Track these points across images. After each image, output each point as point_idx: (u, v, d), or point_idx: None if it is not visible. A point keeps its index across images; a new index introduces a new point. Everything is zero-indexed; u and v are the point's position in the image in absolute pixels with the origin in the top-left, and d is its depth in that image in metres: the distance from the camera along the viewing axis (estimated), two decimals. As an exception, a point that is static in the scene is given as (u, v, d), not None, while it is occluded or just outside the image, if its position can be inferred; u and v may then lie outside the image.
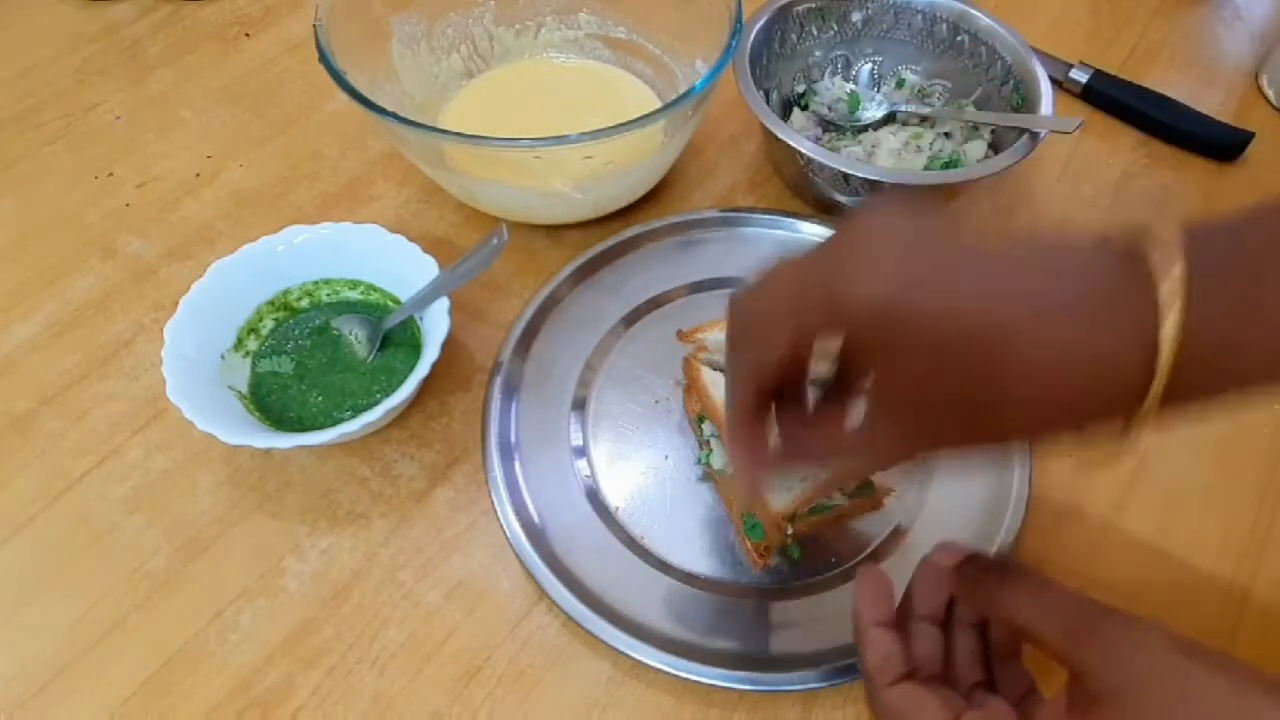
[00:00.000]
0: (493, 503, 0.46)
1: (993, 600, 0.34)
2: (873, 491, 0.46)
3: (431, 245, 0.51)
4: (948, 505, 0.47)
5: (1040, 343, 0.27)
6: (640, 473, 0.49)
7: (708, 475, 0.48)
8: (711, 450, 0.47)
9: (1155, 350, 0.27)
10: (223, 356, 0.49)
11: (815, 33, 0.64)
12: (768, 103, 0.60)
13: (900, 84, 0.65)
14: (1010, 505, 0.46)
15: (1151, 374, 0.27)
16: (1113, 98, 0.67)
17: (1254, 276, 0.27)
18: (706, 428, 0.48)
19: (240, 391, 0.49)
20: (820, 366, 0.33)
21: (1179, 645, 0.30)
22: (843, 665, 0.41)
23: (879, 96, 0.64)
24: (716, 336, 0.49)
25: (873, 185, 0.54)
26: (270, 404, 0.49)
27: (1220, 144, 0.65)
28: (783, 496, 0.43)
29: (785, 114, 0.64)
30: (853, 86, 0.65)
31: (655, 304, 0.55)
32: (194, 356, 0.47)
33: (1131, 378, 0.27)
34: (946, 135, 0.61)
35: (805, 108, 0.64)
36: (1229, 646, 0.42)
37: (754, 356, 0.32)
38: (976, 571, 0.36)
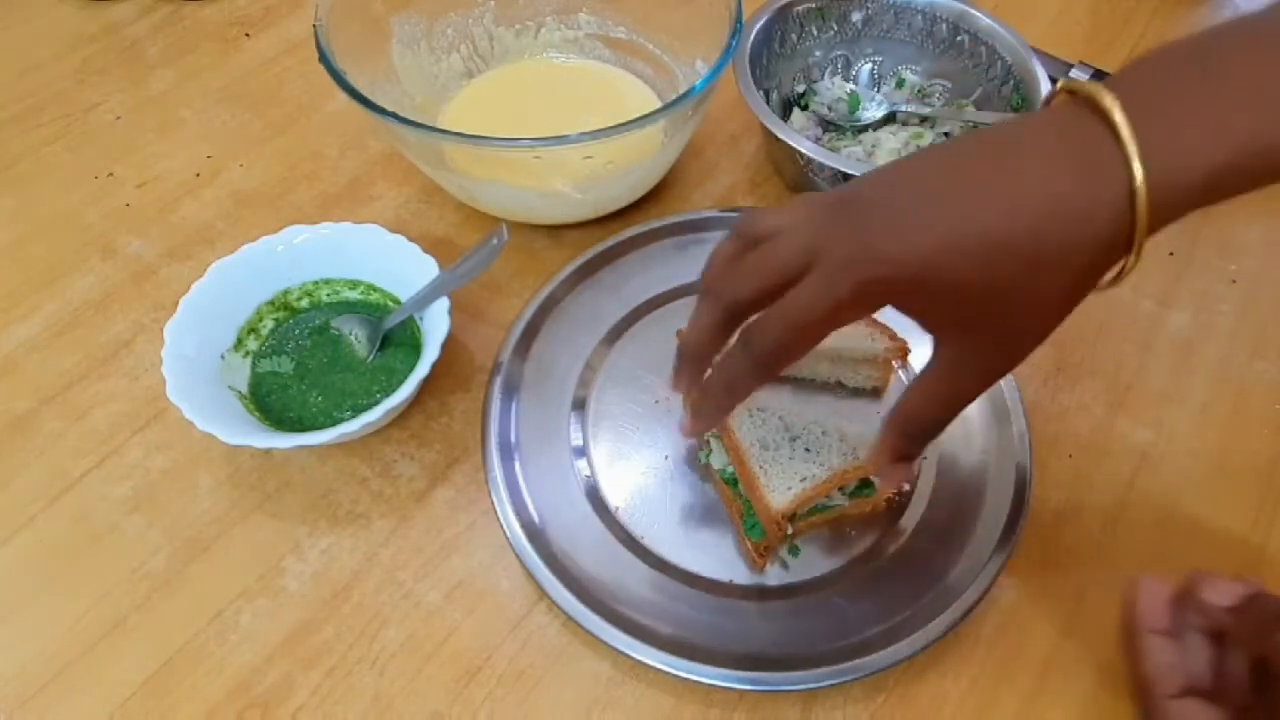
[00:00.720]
0: (493, 503, 0.46)
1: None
2: (873, 491, 0.46)
3: (431, 245, 0.51)
4: (948, 505, 0.47)
5: (1044, 236, 0.29)
6: (640, 473, 0.49)
7: (707, 475, 0.48)
8: (711, 450, 0.47)
9: (1130, 174, 0.29)
10: (223, 356, 0.49)
11: (815, 33, 0.64)
12: (768, 103, 0.60)
13: (900, 84, 0.65)
14: (1010, 505, 0.46)
15: (1133, 191, 0.29)
16: (1113, 98, 0.67)
17: (1190, 77, 0.30)
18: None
19: (240, 391, 0.49)
20: None
21: None
22: (843, 665, 0.41)
23: (879, 96, 0.64)
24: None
25: (873, 185, 0.54)
26: (270, 404, 0.49)
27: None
28: (782, 495, 0.43)
29: (785, 114, 0.64)
30: (853, 86, 0.65)
31: (655, 304, 0.55)
32: (194, 356, 0.47)
33: (1123, 213, 0.29)
34: (946, 135, 0.61)
35: (805, 108, 0.64)
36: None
37: (741, 284, 0.33)
38: (1265, 617, 0.35)
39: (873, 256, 0.30)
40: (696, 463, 0.49)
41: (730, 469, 0.46)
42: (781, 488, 0.43)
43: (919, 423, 0.35)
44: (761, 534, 0.44)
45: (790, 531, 0.45)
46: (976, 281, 0.30)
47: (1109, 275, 0.31)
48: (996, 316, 0.31)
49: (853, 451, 0.45)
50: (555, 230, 0.59)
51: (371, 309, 0.53)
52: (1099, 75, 0.68)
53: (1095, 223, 0.29)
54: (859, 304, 0.31)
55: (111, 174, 0.62)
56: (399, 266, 0.51)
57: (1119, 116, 0.29)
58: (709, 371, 0.35)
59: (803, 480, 0.43)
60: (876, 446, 0.37)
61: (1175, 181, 0.29)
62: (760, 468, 0.44)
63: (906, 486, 0.48)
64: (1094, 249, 0.30)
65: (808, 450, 0.45)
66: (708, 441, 0.48)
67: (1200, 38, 0.31)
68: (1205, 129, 0.29)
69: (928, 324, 0.32)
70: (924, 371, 0.34)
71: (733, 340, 0.34)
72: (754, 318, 0.33)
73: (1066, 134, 0.30)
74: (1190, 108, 0.29)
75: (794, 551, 0.46)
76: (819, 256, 0.31)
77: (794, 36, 0.63)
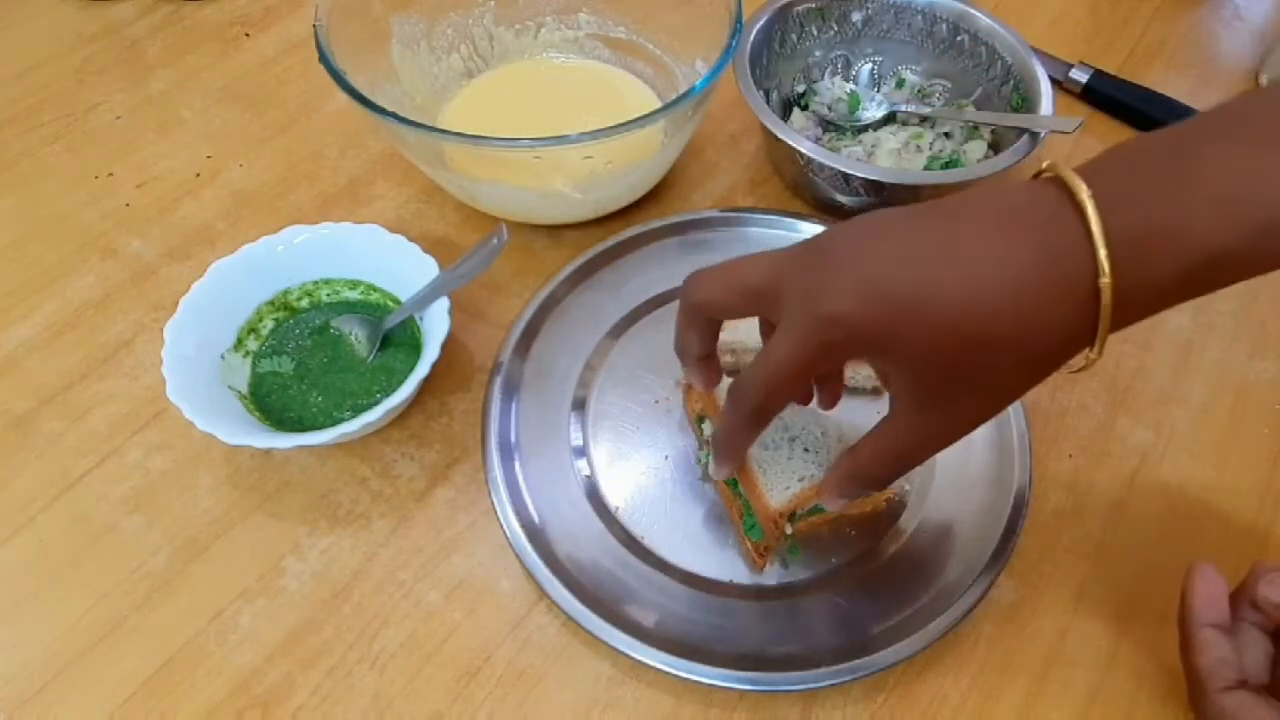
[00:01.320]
0: (493, 503, 0.46)
1: None
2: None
3: (431, 245, 0.51)
4: (948, 505, 0.47)
5: (1002, 319, 0.29)
6: (640, 473, 0.49)
7: (707, 475, 0.48)
8: (711, 450, 0.47)
9: (1095, 263, 0.28)
10: (223, 356, 0.49)
11: (815, 33, 0.64)
12: (768, 103, 0.60)
13: (900, 84, 0.65)
14: (1010, 505, 0.46)
15: (1097, 286, 0.29)
16: (1113, 97, 0.67)
17: (1163, 173, 0.29)
18: (706, 427, 0.48)
19: (240, 391, 0.49)
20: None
21: None
22: (843, 665, 0.41)
23: (879, 96, 0.64)
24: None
25: (873, 185, 0.54)
26: (270, 404, 0.49)
27: (1220, 144, 0.64)
28: (780, 495, 0.43)
29: (785, 114, 0.64)
30: (853, 86, 0.65)
31: (655, 304, 0.55)
32: (194, 356, 0.47)
33: (1087, 308, 0.29)
34: (946, 135, 0.61)
35: (805, 108, 0.64)
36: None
37: (710, 288, 0.35)
38: None
39: (834, 318, 0.30)
40: (696, 463, 0.49)
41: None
42: (780, 488, 0.43)
43: (866, 475, 0.36)
44: (761, 534, 0.44)
45: (789, 531, 0.45)
46: (932, 353, 0.30)
47: (1075, 363, 0.31)
48: (950, 388, 0.31)
49: None
50: (555, 230, 0.59)
51: (371, 309, 0.53)
52: (1099, 75, 0.68)
53: (1056, 313, 0.29)
54: (827, 359, 0.32)
55: (111, 174, 0.62)
56: (399, 266, 0.51)
57: (1090, 211, 0.28)
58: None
59: (801, 480, 0.43)
60: (825, 477, 0.39)
61: (1142, 283, 0.29)
62: (759, 467, 0.44)
63: (907, 486, 0.48)
64: (1053, 339, 0.30)
65: (806, 450, 0.45)
66: (708, 441, 0.48)
67: (1179, 131, 0.31)
68: (1175, 235, 0.29)
69: (885, 383, 0.34)
70: (880, 424, 0.35)
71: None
72: (736, 379, 0.35)
73: (1039, 219, 0.30)
74: (1161, 211, 0.29)
75: (794, 551, 0.46)
76: (785, 302, 0.32)
77: (794, 36, 0.63)
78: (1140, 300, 0.29)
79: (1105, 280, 0.28)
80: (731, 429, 0.38)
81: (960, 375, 0.30)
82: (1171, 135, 0.31)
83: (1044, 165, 0.32)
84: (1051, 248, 0.29)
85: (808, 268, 0.32)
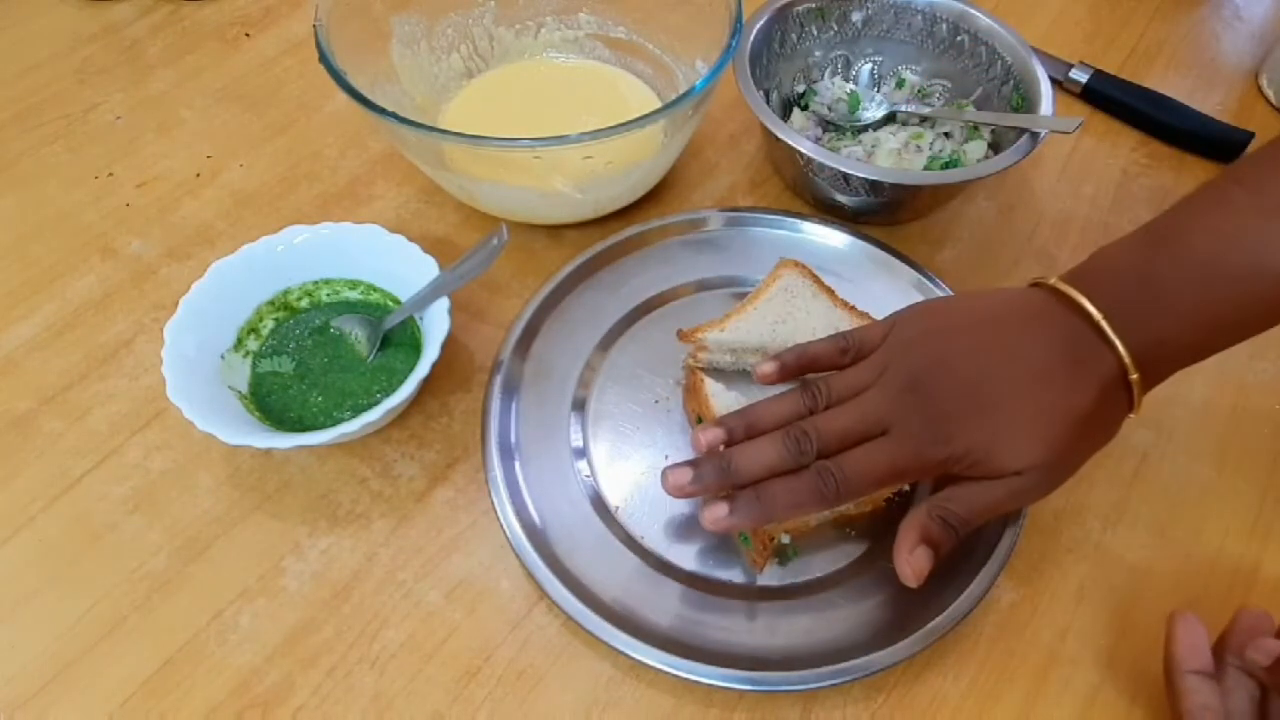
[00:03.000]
0: (493, 503, 0.46)
1: None
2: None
3: (431, 245, 0.51)
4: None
5: (1069, 441, 0.39)
6: (640, 473, 0.49)
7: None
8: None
9: (1126, 374, 0.38)
10: (223, 356, 0.49)
11: (815, 33, 0.64)
12: (768, 103, 0.60)
13: (900, 84, 0.65)
14: (1010, 505, 0.46)
15: (1130, 386, 0.38)
16: (1113, 98, 0.67)
17: (1150, 293, 0.38)
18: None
19: (240, 391, 0.49)
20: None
21: None
22: (843, 665, 0.41)
23: (879, 96, 0.64)
24: (716, 336, 0.49)
25: (873, 185, 0.54)
26: (270, 404, 0.49)
27: (1220, 144, 0.65)
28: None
29: (785, 114, 0.64)
30: (853, 86, 0.65)
31: (655, 304, 0.55)
32: (194, 356, 0.47)
33: (1121, 396, 0.39)
34: (946, 135, 0.61)
35: (805, 108, 0.64)
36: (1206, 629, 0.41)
37: (833, 401, 0.42)
38: None
39: (939, 442, 0.38)
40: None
41: None
42: None
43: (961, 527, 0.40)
44: (749, 543, 0.44)
45: (787, 540, 0.45)
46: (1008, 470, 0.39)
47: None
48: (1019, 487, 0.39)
49: None
50: (555, 230, 0.59)
51: (371, 309, 0.53)
52: (1099, 75, 0.68)
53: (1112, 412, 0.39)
54: (918, 473, 0.39)
55: (111, 174, 0.62)
56: (399, 266, 0.51)
57: (1109, 333, 0.38)
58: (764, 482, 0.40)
59: None
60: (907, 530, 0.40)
61: (1159, 356, 0.38)
62: None
63: (906, 487, 0.48)
64: (1106, 428, 0.40)
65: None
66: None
67: (1158, 225, 0.40)
68: (1172, 315, 0.38)
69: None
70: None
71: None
72: (831, 460, 0.39)
73: (1070, 344, 0.38)
74: (1155, 297, 0.38)
75: (793, 553, 0.46)
76: (893, 428, 0.39)
77: (794, 36, 0.63)
78: (1162, 371, 0.39)
79: (1134, 376, 0.38)
80: (799, 498, 0.39)
81: (1027, 492, 0.40)
82: (1150, 233, 0.39)
83: (1045, 283, 0.41)
84: (1090, 373, 0.38)
85: (913, 408, 0.39)
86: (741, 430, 0.41)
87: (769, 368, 0.45)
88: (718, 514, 0.39)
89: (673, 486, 0.40)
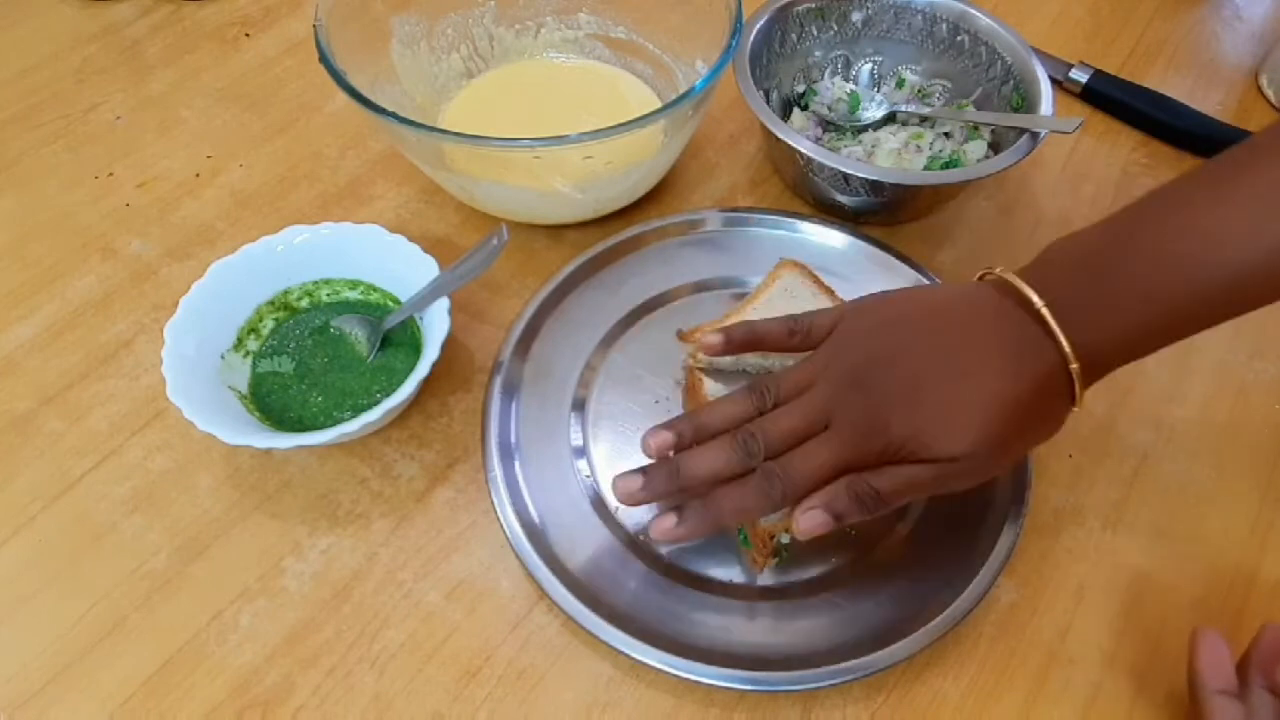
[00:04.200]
0: (493, 503, 0.46)
1: None
2: None
3: (431, 245, 0.51)
4: (948, 506, 0.47)
5: (1010, 420, 0.38)
6: (640, 473, 0.48)
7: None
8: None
9: (1067, 364, 0.38)
10: (223, 356, 0.49)
11: (815, 33, 0.64)
12: (768, 103, 0.60)
13: (900, 84, 0.65)
14: (1010, 504, 0.46)
15: (1071, 377, 0.38)
16: (1113, 97, 0.67)
17: (1098, 284, 0.38)
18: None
19: (240, 391, 0.49)
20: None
21: None
22: (843, 665, 0.41)
23: (879, 96, 0.64)
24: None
25: (873, 185, 0.54)
26: (270, 404, 0.49)
27: (1220, 144, 0.64)
28: (771, 515, 0.43)
29: (785, 114, 0.64)
30: (853, 86, 0.65)
31: (655, 304, 0.55)
32: (194, 356, 0.47)
33: (1063, 388, 0.39)
34: (946, 135, 0.61)
35: (805, 108, 0.64)
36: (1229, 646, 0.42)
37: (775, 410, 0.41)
38: None
39: (876, 433, 0.38)
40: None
41: None
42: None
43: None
44: (748, 544, 0.44)
45: (785, 541, 0.45)
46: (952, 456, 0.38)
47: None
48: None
49: None
50: (555, 230, 0.59)
51: (371, 309, 0.53)
52: (1099, 75, 0.68)
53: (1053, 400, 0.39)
54: (861, 464, 0.39)
55: (111, 174, 0.62)
56: (399, 266, 0.51)
57: (1046, 313, 0.38)
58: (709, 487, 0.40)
59: None
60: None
61: (1105, 348, 0.38)
62: None
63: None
64: (1046, 420, 0.40)
65: None
66: None
67: (1114, 218, 0.39)
68: (1120, 307, 0.37)
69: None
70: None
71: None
72: (775, 461, 0.39)
73: (1013, 335, 0.38)
74: (1103, 287, 0.38)
75: (785, 553, 0.46)
76: (833, 422, 0.39)
77: (794, 36, 0.63)
78: (1101, 364, 0.39)
79: (1074, 366, 0.37)
80: (744, 504, 0.39)
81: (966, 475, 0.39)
82: (1105, 227, 0.39)
83: (996, 271, 0.41)
84: (1035, 370, 0.38)
85: (855, 396, 0.39)
86: (690, 433, 0.41)
87: (714, 339, 0.45)
88: (665, 525, 0.40)
89: (623, 494, 0.41)
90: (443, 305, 0.48)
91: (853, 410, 0.39)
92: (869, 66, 0.66)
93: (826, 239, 0.58)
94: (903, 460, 0.38)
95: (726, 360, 0.50)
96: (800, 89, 0.65)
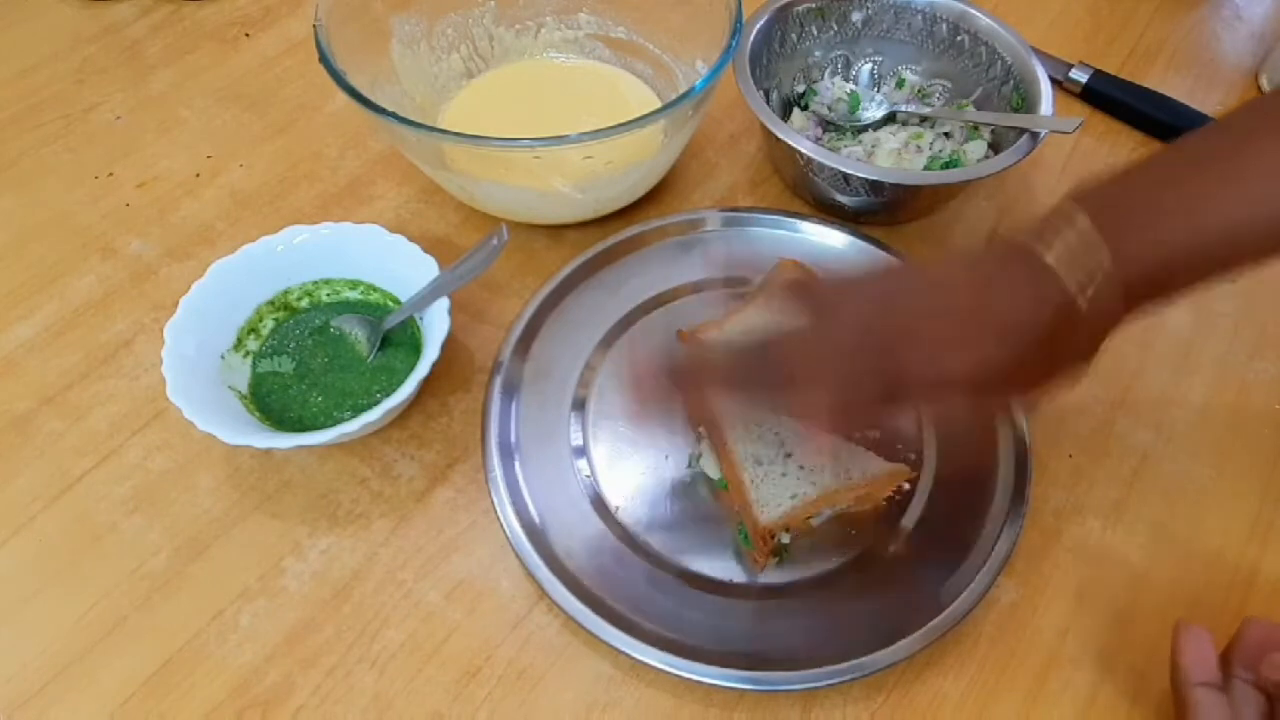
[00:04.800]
0: (493, 503, 0.46)
1: None
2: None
3: (431, 245, 0.51)
4: (948, 506, 0.47)
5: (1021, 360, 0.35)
6: (640, 473, 0.49)
7: (702, 479, 0.48)
8: (701, 454, 0.48)
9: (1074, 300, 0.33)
10: (223, 356, 0.49)
11: (815, 33, 0.64)
12: (768, 103, 0.60)
13: (900, 84, 0.65)
14: (1010, 505, 0.46)
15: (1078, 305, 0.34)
16: (1113, 98, 0.67)
17: (1146, 206, 0.35)
18: (701, 431, 0.48)
19: (240, 391, 0.49)
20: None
21: None
22: (843, 665, 0.41)
23: (879, 96, 0.64)
24: (716, 336, 0.49)
25: (873, 185, 0.54)
26: (270, 404, 0.49)
27: (1220, 144, 0.64)
28: (773, 511, 0.43)
29: (785, 114, 0.64)
30: (853, 86, 0.65)
31: (655, 304, 0.55)
32: (194, 356, 0.47)
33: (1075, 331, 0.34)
34: (946, 135, 0.61)
35: (805, 108, 0.64)
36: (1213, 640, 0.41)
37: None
38: None
39: (892, 379, 0.35)
40: (688, 466, 0.49)
41: (723, 479, 0.46)
42: (772, 504, 0.43)
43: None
44: (749, 543, 0.44)
45: (785, 541, 0.45)
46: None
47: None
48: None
49: (845, 471, 0.45)
50: (555, 230, 0.59)
51: (371, 309, 0.53)
52: (1099, 75, 0.68)
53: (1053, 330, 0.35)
54: (876, 406, 0.37)
55: (111, 174, 0.62)
56: (399, 266, 0.51)
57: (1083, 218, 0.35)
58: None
59: (793, 498, 0.43)
60: None
61: (1138, 261, 0.34)
62: (752, 483, 0.44)
63: (906, 486, 0.48)
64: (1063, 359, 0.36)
65: (801, 468, 0.45)
66: (699, 438, 0.48)
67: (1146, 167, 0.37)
68: (1159, 217, 0.35)
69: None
70: None
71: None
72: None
73: (1023, 280, 0.35)
74: (1144, 200, 0.35)
75: (786, 552, 0.46)
76: (852, 364, 0.36)
77: (794, 36, 0.63)
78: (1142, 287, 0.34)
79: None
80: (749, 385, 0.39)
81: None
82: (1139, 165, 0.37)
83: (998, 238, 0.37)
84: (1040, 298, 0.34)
85: (869, 345, 0.36)
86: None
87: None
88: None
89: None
90: (443, 305, 0.48)
91: (867, 359, 0.36)
92: (869, 66, 0.66)
93: (826, 239, 0.58)
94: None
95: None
96: (800, 89, 0.65)
